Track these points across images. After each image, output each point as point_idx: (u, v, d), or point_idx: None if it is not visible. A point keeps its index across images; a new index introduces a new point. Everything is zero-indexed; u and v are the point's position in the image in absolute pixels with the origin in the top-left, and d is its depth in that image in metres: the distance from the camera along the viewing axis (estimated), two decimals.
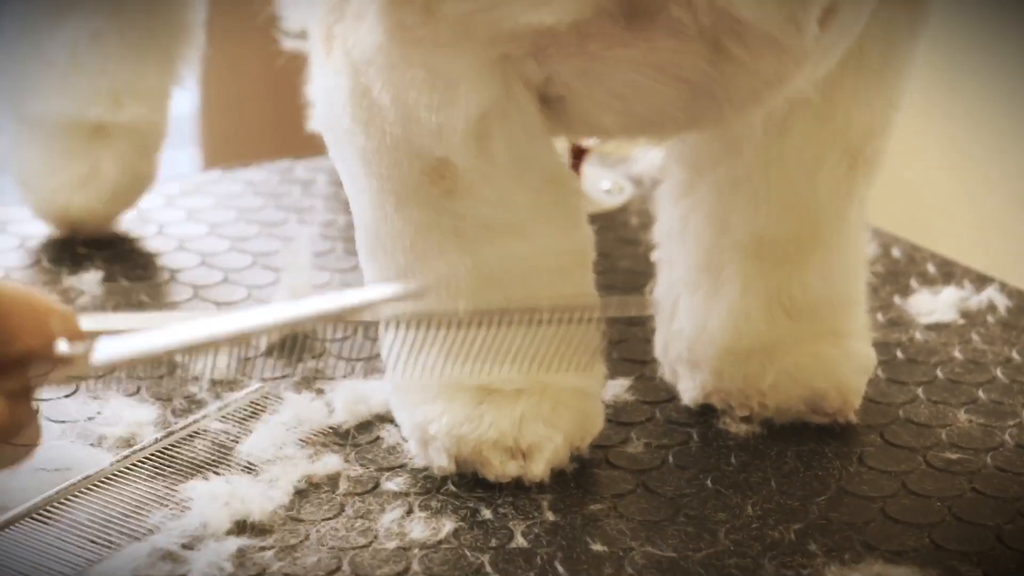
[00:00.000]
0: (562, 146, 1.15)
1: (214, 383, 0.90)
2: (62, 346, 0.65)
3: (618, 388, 0.90)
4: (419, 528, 0.78)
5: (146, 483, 0.80)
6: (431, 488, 0.81)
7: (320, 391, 0.89)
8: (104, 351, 0.65)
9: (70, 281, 1.01)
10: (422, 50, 0.75)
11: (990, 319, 0.99)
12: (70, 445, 0.83)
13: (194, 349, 0.67)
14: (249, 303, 0.99)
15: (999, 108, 1.23)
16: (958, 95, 1.24)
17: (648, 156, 1.17)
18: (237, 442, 0.83)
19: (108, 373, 0.71)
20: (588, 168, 1.20)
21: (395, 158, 0.77)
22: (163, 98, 1.08)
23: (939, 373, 0.93)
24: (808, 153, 0.84)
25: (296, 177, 1.19)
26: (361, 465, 0.83)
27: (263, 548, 0.76)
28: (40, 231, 1.09)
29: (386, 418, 0.86)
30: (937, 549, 0.77)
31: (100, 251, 1.06)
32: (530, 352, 0.73)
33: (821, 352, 0.87)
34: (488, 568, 0.75)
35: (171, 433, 0.84)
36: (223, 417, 0.86)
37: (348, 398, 0.88)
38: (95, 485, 0.79)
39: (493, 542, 0.77)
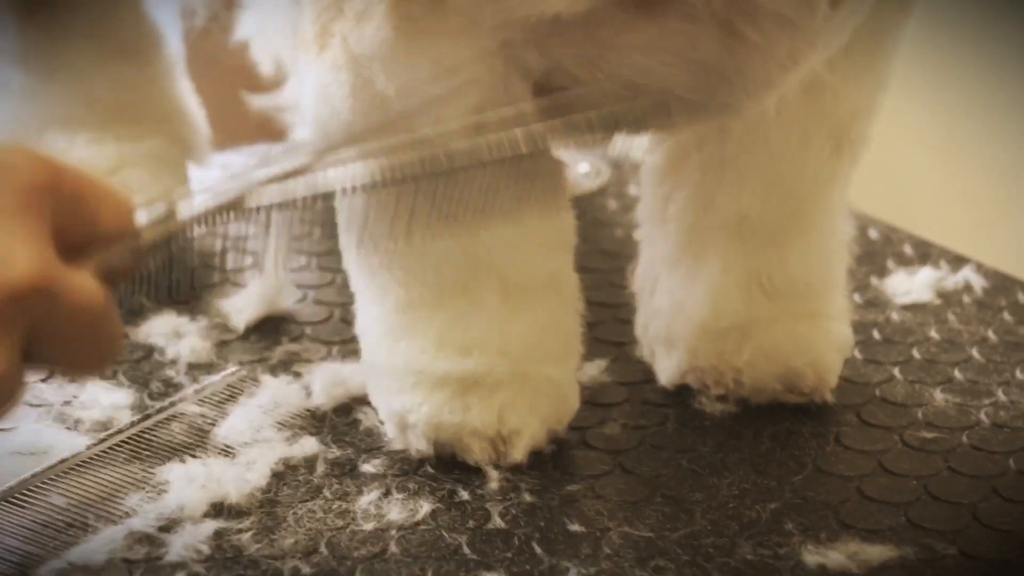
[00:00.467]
0: None
1: (191, 366, 0.90)
2: (142, 216, 0.65)
3: (595, 370, 0.91)
4: (396, 510, 0.78)
5: (123, 466, 0.80)
6: (408, 470, 0.81)
7: (298, 374, 0.89)
8: (185, 208, 0.66)
9: None
10: (426, 41, 0.75)
11: (966, 299, 1.00)
12: (46, 429, 0.83)
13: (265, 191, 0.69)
14: (225, 288, 0.98)
15: (977, 90, 1.23)
16: (936, 76, 1.25)
17: (625, 139, 1.17)
18: (214, 425, 0.83)
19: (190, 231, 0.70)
20: (565, 151, 1.20)
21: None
22: None
23: (915, 353, 0.93)
24: (795, 134, 0.84)
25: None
26: (339, 447, 0.83)
27: (240, 530, 0.76)
28: None
29: (364, 401, 0.86)
30: (913, 527, 0.77)
31: None
32: (490, 200, 0.73)
33: (797, 331, 0.87)
34: (466, 549, 0.75)
35: (148, 416, 0.84)
36: (200, 400, 0.86)
37: (326, 381, 0.88)
38: (71, 469, 0.79)
39: (471, 523, 0.77)
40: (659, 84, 0.77)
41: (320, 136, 0.80)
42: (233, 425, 0.83)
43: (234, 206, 0.70)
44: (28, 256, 0.60)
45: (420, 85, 0.76)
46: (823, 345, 0.87)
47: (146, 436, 0.82)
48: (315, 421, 0.85)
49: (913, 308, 0.99)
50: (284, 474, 0.81)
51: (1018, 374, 0.91)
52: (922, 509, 0.78)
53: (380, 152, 0.69)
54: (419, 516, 0.77)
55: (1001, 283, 1.01)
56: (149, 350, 0.91)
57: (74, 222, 0.63)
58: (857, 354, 0.93)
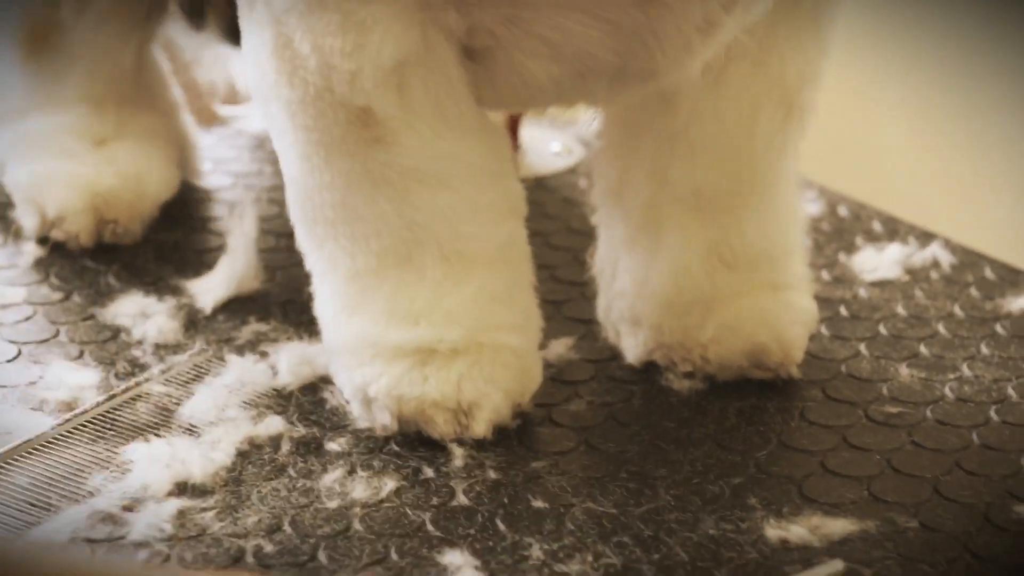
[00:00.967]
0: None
1: (158, 347, 0.90)
2: None
3: (562, 347, 0.91)
4: (361, 487, 0.78)
5: (87, 446, 0.80)
6: (374, 448, 0.82)
7: (264, 354, 0.89)
8: None
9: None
10: None
11: (933, 275, 1.00)
12: (11, 409, 0.83)
13: None
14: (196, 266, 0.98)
15: (945, 67, 1.23)
16: (903, 55, 1.25)
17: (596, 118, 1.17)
18: (179, 405, 0.83)
19: None
20: (536, 131, 1.21)
21: (319, 108, 0.78)
22: None
23: (882, 329, 0.94)
24: (744, 103, 0.84)
25: (242, 143, 1.19)
26: (304, 426, 0.83)
27: (204, 509, 0.76)
28: None
29: (331, 380, 0.86)
30: (875, 501, 0.77)
31: None
32: None
33: (761, 306, 0.87)
34: (429, 526, 0.75)
35: (113, 396, 0.84)
36: (166, 380, 0.86)
37: (292, 360, 0.88)
38: (36, 449, 0.79)
39: (435, 500, 0.77)
40: (578, 45, 0.77)
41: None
42: (198, 404, 0.83)
43: None
44: None
45: (332, 40, 0.76)
46: (788, 320, 0.87)
47: (111, 416, 0.82)
48: (281, 400, 0.85)
49: (881, 284, 0.99)
50: (249, 453, 0.81)
51: (983, 349, 0.91)
52: (884, 483, 0.79)
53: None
54: (383, 494, 0.78)
55: (968, 259, 1.01)
56: (116, 331, 0.91)
57: None
58: (824, 330, 0.93)
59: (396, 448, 0.81)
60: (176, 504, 0.76)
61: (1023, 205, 1.20)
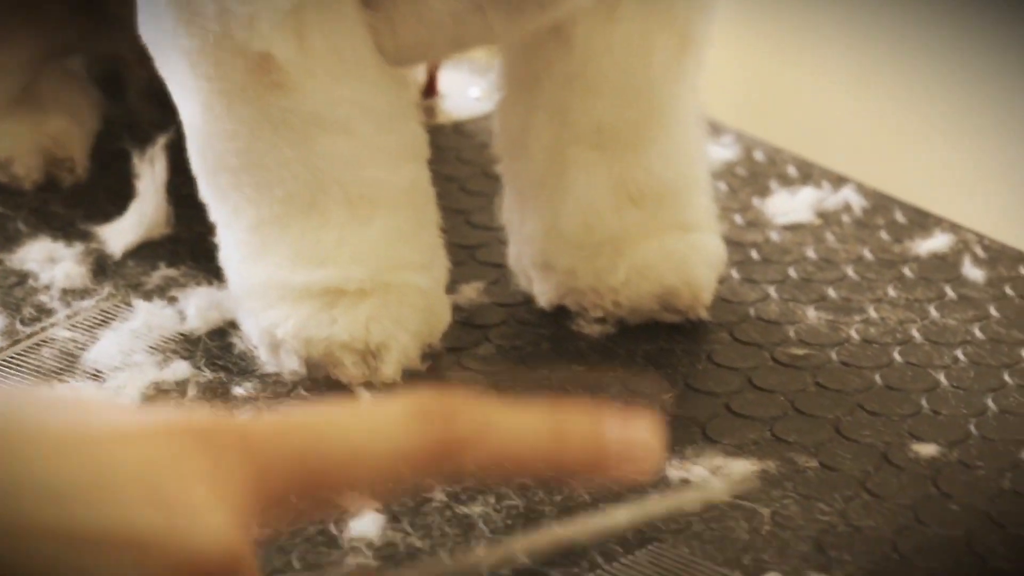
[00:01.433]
0: None
1: (65, 292, 0.89)
2: None
3: (473, 292, 0.91)
4: None
5: None
6: (281, 392, 0.81)
7: (173, 299, 0.89)
8: None
9: None
10: None
11: (845, 219, 1.01)
12: None
13: None
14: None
15: (859, 10, 1.24)
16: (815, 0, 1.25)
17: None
18: (84, 350, 0.83)
19: None
20: (456, 76, 1.20)
21: (219, 56, 0.77)
22: None
23: (792, 272, 0.94)
24: (638, 38, 0.85)
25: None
26: (211, 371, 0.83)
27: None
28: None
29: (239, 325, 0.86)
30: (777, 441, 0.78)
31: None
32: None
33: (670, 247, 0.88)
34: None
35: (17, 342, 0.83)
36: (71, 326, 0.85)
37: (201, 305, 0.87)
38: None
39: None
40: None
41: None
42: (104, 349, 0.83)
43: None
44: (221, 524, 0.49)
45: None
46: (697, 261, 0.88)
47: (15, 361, 0.82)
48: (188, 345, 0.85)
49: (793, 228, 0.99)
50: (154, 398, 0.80)
51: (890, 291, 0.92)
52: (787, 424, 0.79)
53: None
54: None
55: (880, 202, 1.02)
56: (23, 276, 0.91)
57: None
58: (734, 273, 0.94)
59: (304, 393, 0.81)
60: None
61: (936, 148, 1.21)
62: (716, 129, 1.12)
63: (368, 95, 0.80)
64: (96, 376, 0.81)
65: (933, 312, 0.90)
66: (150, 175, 0.97)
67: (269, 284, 0.81)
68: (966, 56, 1.18)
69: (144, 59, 0.84)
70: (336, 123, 0.79)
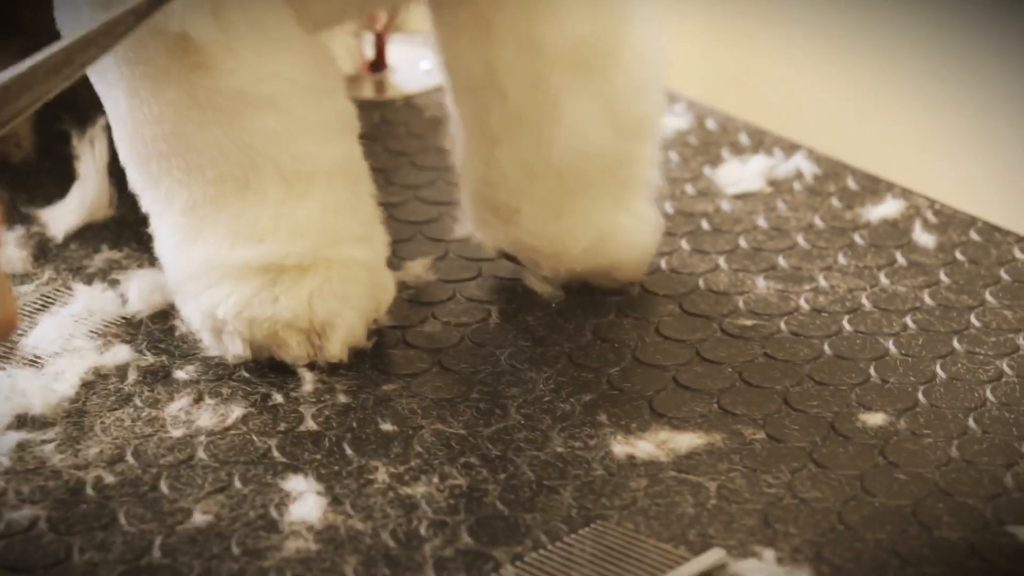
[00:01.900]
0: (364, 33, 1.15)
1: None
2: None
3: (420, 268, 0.90)
4: (207, 415, 0.77)
5: None
6: (223, 375, 0.80)
7: (115, 282, 0.88)
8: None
9: None
10: None
11: (796, 186, 1.00)
12: None
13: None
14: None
15: None
16: None
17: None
18: (23, 336, 0.82)
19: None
20: (406, 48, 1.19)
21: (140, 40, 0.76)
22: None
23: (742, 242, 0.93)
24: None
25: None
26: (153, 354, 0.82)
27: (44, 441, 0.75)
28: None
29: None
30: (724, 414, 0.77)
31: None
32: None
33: (613, 219, 0.87)
34: (275, 452, 0.74)
35: None
36: None
37: (143, 288, 0.86)
38: None
39: (282, 426, 0.76)
40: None
41: None
42: (43, 335, 0.82)
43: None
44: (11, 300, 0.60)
45: None
46: (643, 234, 0.87)
47: None
48: (130, 329, 0.84)
49: (744, 197, 0.98)
50: (94, 383, 0.79)
51: (840, 259, 0.91)
52: (735, 396, 0.79)
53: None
54: (229, 421, 0.77)
55: (832, 169, 1.01)
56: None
57: None
58: (684, 244, 0.93)
59: (246, 375, 0.80)
60: (15, 438, 0.74)
61: (889, 113, 1.20)
62: (669, 98, 1.11)
63: (294, 70, 0.79)
64: (34, 362, 0.80)
65: (883, 279, 0.89)
66: (91, 156, 0.96)
67: (208, 264, 0.80)
68: (918, 21, 1.17)
69: None
70: (263, 99, 0.78)
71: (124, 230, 0.93)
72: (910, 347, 0.82)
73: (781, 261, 0.91)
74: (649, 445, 0.75)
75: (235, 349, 0.81)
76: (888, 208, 0.96)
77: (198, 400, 0.78)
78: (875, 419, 0.77)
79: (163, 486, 0.72)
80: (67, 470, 0.73)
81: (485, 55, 0.86)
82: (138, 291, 0.86)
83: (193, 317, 0.82)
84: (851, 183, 1.00)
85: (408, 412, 0.78)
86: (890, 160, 1.09)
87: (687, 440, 0.75)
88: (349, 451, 0.75)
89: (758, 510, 0.71)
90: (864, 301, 0.87)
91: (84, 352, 0.81)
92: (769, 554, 0.68)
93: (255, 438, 0.75)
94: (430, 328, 0.85)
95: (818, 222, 0.95)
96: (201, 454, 0.74)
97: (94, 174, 0.95)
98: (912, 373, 0.80)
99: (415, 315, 0.86)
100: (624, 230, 0.87)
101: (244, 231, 0.80)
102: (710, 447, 0.75)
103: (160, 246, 0.82)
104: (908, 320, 0.85)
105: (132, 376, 0.80)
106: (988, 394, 0.78)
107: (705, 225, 0.95)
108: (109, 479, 0.72)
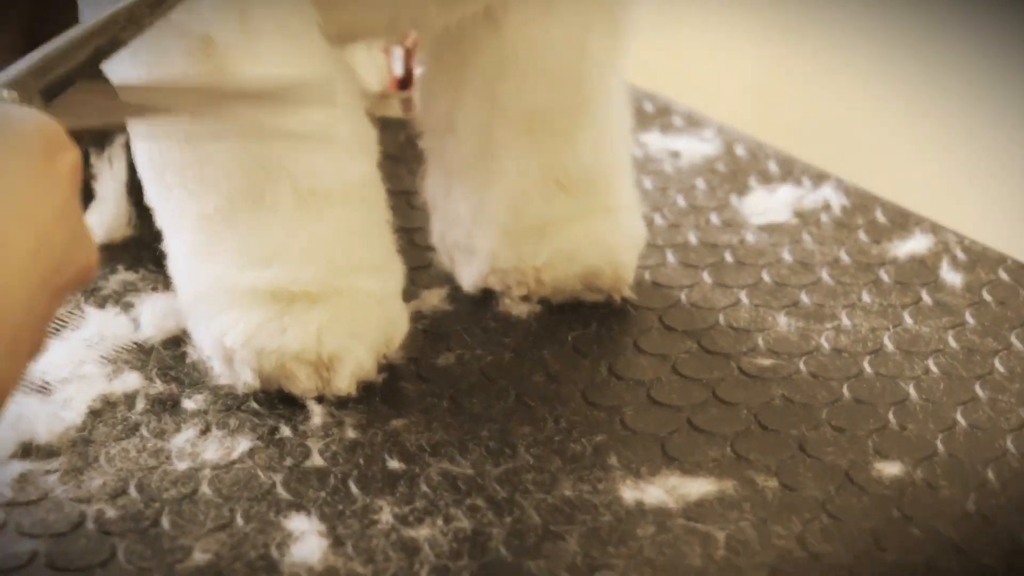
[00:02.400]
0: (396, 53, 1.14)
1: None
2: None
3: (435, 298, 0.89)
4: (213, 448, 0.76)
5: None
6: (232, 406, 0.79)
7: (128, 305, 0.87)
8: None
9: None
10: None
11: (824, 218, 0.98)
12: None
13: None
14: None
15: (848, 6, 1.21)
16: None
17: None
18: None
19: None
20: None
21: (159, 43, 0.75)
22: None
23: (765, 276, 0.92)
24: (575, 30, 0.84)
25: None
26: (162, 382, 0.81)
27: (48, 471, 0.74)
28: None
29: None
30: (737, 459, 0.76)
31: None
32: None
33: (593, 230, 0.87)
34: (279, 488, 0.73)
35: None
36: None
37: (156, 312, 0.86)
38: None
39: (288, 461, 0.75)
40: None
41: None
42: (53, 360, 0.81)
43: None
44: (93, 242, 0.62)
45: None
46: (619, 242, 0.87)
47: None
48: (141, 355, 0.83)
49: (769, 228, 0.97)
50: (102, 411, 0.79)
51: (864, 296, 0.89)
52: (749, 440, 0.77)
53: None
54: (235, 455, 0.76)
55: (861, 201, 0.99)
56: None
57: None
58: (706, 278, 0.91)
59: (255, 406, 0.79)
60: (19, 467, 0.74)
61: (921, 146, 1.18)
62: (698, 122, 1.09)
63: (315, 77, 0.77)
64: (43, 389, 0.79)
65: (907, 319, 0.87)
66: (109, 175, 0.95)
67: (218, 286, 0.79)
68: (953, 56, 1.15)
69: None
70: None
71: (142, 250, 0.92)
72: (931, 392, 0.80)
73: (804, 297, 0.89)
74: (659, 491, 0.73)
75: (246, 378, 0.80)
76: (916, 244, 0.94)
77: (205, 431, 0.77)
78: (892, 469, 0.75)
79: (164, 522, 0.71)
80: (69, 503, 0.72)
81: (452, 92, 0.87)
82: (151, 316, 0.85)
83: (205, 343, 0.81)
84: (880, 216, 0.98)
85: (416, 449, 0.76)
86: (920, 191, 1.07)
87: (698, 486, 0.74)
88: (354, 489, 0.74)
89: (767, 563, 0.69)
90: (886, 342, 0.85)
91: (93, 379, 0.80)
92: None
93: (260, 473, 0.75)
94: (443, 361, 0.84)
95: (844, 256, 0.94)
96: (205, 488, 0.73)
97: (112, 193, 0.94)
98: (932, 420, 0.78)
99: (429, 347, 0.85)
100: (597, 240, 0.87)
101: (255, 250, 0.78)
102: (721, 494, 0.73)
103: (172, 263, 0.81)
104: (930, 363, 0.83)
105: (140, 405, 0.79)
106: (1008, 444, 0.77)
107: (728, 257, 0.94)
108: (111, 513, 0.71)
